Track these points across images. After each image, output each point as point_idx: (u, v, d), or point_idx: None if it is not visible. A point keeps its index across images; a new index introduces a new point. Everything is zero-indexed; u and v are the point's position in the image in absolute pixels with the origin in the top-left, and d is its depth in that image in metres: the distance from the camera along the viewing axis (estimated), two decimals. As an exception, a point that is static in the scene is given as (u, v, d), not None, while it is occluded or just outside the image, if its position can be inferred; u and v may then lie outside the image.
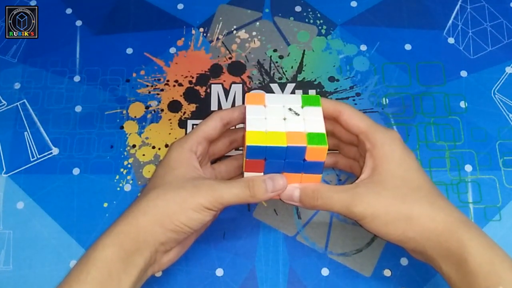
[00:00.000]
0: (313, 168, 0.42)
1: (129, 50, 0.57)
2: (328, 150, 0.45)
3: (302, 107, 0.43)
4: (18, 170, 0.52)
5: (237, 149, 0.50)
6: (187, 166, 0.42)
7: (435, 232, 0.39)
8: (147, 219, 0.39)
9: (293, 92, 0.55)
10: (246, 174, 0.42)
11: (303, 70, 0.56)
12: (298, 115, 0.42)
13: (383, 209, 0.39)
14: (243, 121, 0.42)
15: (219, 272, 0.48)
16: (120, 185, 0.51)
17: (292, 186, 0.42)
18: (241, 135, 0.47)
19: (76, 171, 0.52)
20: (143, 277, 0.40)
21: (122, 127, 0.54)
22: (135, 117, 0.54)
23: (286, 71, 0.56)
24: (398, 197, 0.40)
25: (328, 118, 0.45)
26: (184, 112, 0.54)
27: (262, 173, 0.42)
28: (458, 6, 0.59)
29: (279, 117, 0.42)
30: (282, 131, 0.41)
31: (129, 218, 0.39)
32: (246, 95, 0.44)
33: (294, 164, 0.41)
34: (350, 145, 0.47)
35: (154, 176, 0.43)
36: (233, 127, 0.48)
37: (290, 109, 0.42)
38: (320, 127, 0.41)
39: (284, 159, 0.41)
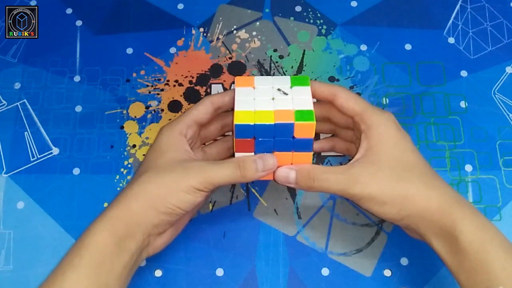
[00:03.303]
0: (303, 146, 0.42)
1: (129, 50, 0.57)
2: (325, 134, 0.45)
3: (291, 87, 0.43)
4: (18, 170, 0.52)
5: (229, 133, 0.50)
6: (177, 149, 0.42)
7: (429, 211, 0.39)
8: (139, 203, 0.39)
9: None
10: (237, 155, 0.43)
11: (303, 70, 0.56)
12: (287, 94, 0.42)
13: (379, 189, 0.40)
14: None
15: (219, 272, 0.48)
16: (121, 185, 0.51)
17: (288, 167, 0.43)
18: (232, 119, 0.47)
19: (76, 171, 0.52)
20: (137, 261, 0.40)
21: (122, 127, 0.54)
22: (135, 117, 0.54)
23: (286, 71, 0.56)
24: (393, 177, 0.40)
25: (324, 102, 0.45)
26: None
27: (252, 153, 0.42)
28: (458, 6, 0.59)
29: (267, 97, 0.42)
30: (271, 109, 0.41)
31: (122, 202, 0.40)
32: (235, 78, 0.44)
33: (283, 142, 0.41)
34: (347, 129, 0.47)
35: (145, 160, 0.43)
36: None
37: (278, 89, 0.43)
38: (308, 104, 0.41)
39: (273, 137, 0.41)
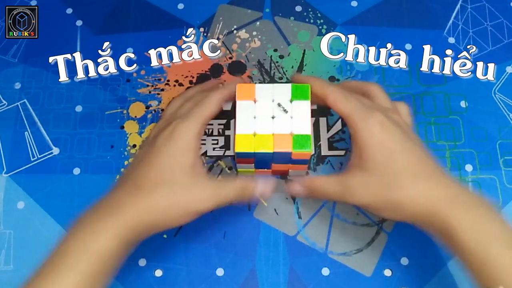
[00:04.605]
0: (300, 162, 0.46)
1: (129, 50, 0.57)
2: None
3: (291, 100, 0.44)
4: (19, 170, 0.52)
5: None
6: (194, 158, 0.42)
7: (421, 216, 0.40)
8: (152, 219, 0.41)
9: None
10: (238, 165, 0.48)
11: (304, 70, 0.56)
12: (287, 112, 0.44)
13: (372, 200, 0.42)
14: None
15: (220, 272, 0.48)
16: (121, 185, 0.51)
17: (292, 182, 0.46)
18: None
19: (76, 171, 0.52)
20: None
21: (122, 127, 0.54)
22: (135, 117, 0.54)
23: (286, 71, 0.56)
24: (383, 185, 0.41)
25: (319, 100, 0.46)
26: (185, 112, 0.54)
27: (252, 164, 0.47)
28: (458, 6, 0.59)
29: (267, 115, 0.44)
30: (270, 133, 0.43)
31: (137, 212, 0.40)
32: (237, 86, 0.45)
33: (281, 160, 0.45)
34: None
35: (161, 164, 0.42)
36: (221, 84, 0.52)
37: (279, 105, 0.44)
38: (306, 127, 0.44)
39: (272, 158, 0.45)
